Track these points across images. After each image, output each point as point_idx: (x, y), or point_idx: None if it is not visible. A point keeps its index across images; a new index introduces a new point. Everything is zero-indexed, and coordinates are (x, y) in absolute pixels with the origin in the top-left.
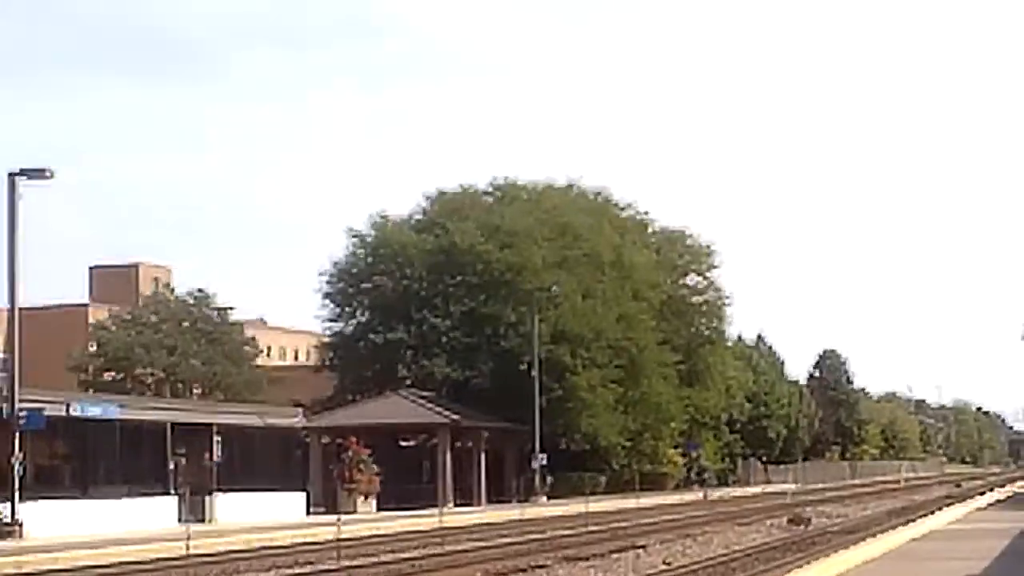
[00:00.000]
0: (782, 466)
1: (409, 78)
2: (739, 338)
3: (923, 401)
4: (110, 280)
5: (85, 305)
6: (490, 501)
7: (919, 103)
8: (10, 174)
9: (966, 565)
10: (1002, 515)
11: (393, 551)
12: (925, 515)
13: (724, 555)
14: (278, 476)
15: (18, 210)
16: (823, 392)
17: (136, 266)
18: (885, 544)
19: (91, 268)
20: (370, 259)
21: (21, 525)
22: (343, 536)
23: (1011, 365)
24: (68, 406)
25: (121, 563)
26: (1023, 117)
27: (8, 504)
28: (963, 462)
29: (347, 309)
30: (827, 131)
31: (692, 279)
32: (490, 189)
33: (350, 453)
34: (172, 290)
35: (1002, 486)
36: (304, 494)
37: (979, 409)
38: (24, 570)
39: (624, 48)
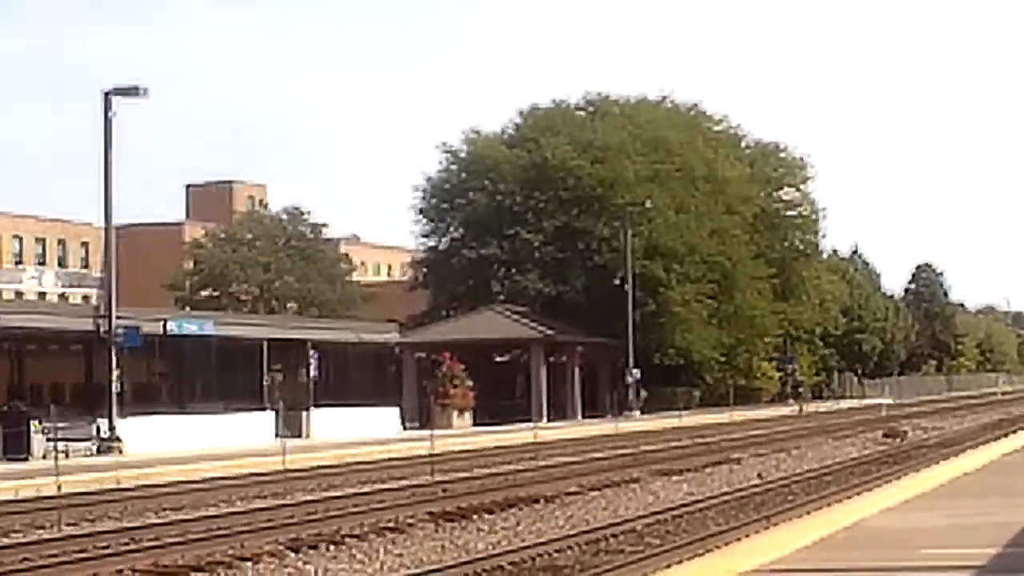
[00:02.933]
0: (877, 380)
1: None
2: (834, 251)
3: (1021, 313)
4: (206, 198)
5: (181, 223)
6: (584, 416)
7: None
8: (105, 93)
9: None
10: None
11: (486, 466)
12: (1022, 429)
13: (818, 469)
14: (373, 392)
15: (112, 128)
16: (919, 306)
17: (231, 184)
18: (981, 457)
19: (187, 187)
20: (463, 175)
21: (120, 441)
22: (437, 451)
23: None
24: (165, 324)
25: (218, 478)
26: None
27: (107, 421)
28: None
29: (440, 225)
30: (921, 38)
31: (786, 192)
32: (582, 104)
33: (444, 368)
34: (267, 207)
35: None
36: (399, 410)
37: None
38: (124, 484)
39: None
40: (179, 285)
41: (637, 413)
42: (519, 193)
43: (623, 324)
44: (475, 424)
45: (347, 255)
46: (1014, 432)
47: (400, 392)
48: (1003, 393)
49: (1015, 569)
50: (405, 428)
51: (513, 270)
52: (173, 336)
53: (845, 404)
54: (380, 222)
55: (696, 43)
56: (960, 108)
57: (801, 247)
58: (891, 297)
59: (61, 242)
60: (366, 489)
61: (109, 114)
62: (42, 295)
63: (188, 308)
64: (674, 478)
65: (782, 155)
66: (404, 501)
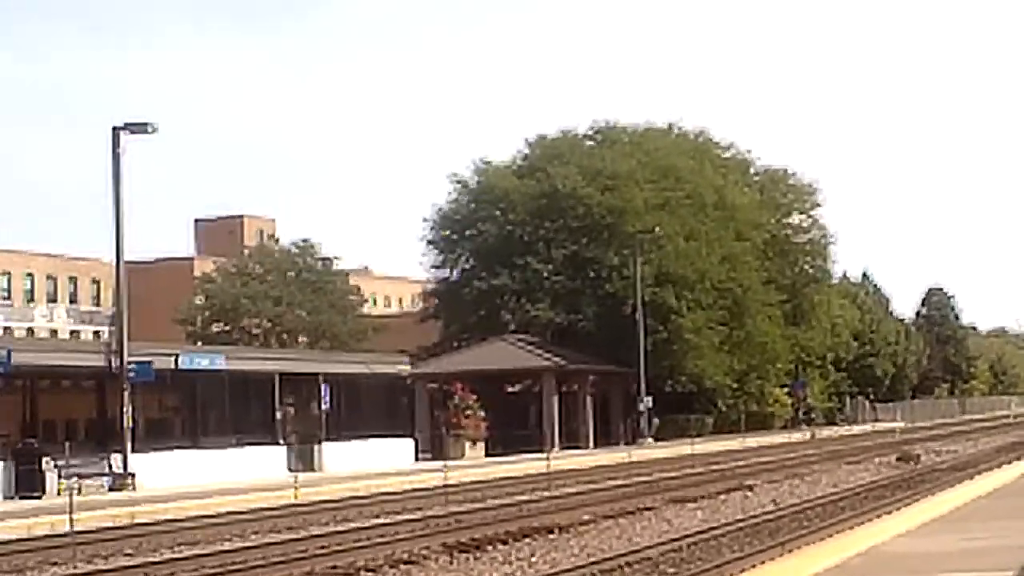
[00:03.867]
0: (890, 404)
1: (510, 19)
2: (844, 276)
3: None
4: (215, 232)
5: (191, 258)
6: (597, 444)
7: None
8: (114, 128)
9: None
10: None
11: (500, 496)
12: None
13: (832, 494)
14: (385, 424)
15: (122, 164)
16: (930, 329)
17: (241, 218)
18: (995, 480)
19: (196, 221)
20: (472, 205)
21: (134, 476)
22: (450, 481)
23: None
24: (177, 358)
25: (231, 512)
26: None
27: (120, 456)
28: None
29: (450, 256)
30: (930, 63)
31: (796, 218)
32: (590, 133)
33: (456, 399)
34: (277, 241)
35: None
36: (412, 441)
37: None
38: (137, 520)
39: None
40: (190, 319)
41: (650, 440)
42: (529, 223)
43: (634, 352)
44: (488, 454)
45: (357, 287)
46: None
47: (412, 423)
48: (1016, 416)
49: None
50: (418, 459)
51: (524, 300)
52: (185, 371)
53: (857, 429)
54: (390, 253)
55: (703, 70)
56: (970, 132)
57: (811, 272)
58: (902, 321)
59: (72, 279)
60: (380, 521)
61: (118, 150)
62: (54, 332)
63: (199, 342)
64: (688, 505)
65: (791, 181)
66: (418, 533)
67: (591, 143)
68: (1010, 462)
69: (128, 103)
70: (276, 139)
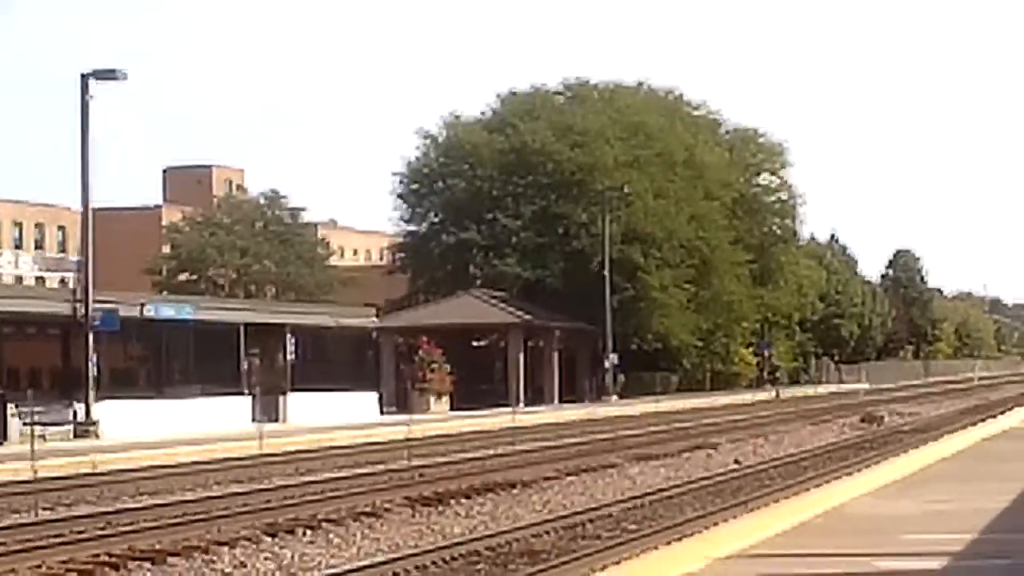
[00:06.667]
0: (855, 365)
1: None
2: (812, 237)
3: (998, 300)
4: (184, 182)
5: (159, 207)
6: (562, 401)
7: None
8: (82, 76)
9: None
10: None
11: (464, 450)
12: (999, 414)
13: (795, 454)
14: (351, 377)
15: (90, 112)
16: (896, 291)
17: (209, 168)
18: (958, 443)
19: (165, 171)
20: (442, 160)
21: (97, 425)
22: (414, 435)
23: None
24: (142, 307)
25: (195, 462)
26: None
27: (84, 405)
28: None
29: (419, 210)
30: (899, 23)
31: (765, 178)
32: (561, 89)
33: (422, 353)
34: (245, 192)
35: None
36: (377, 394)
37: None
38: (100, 468)
39: None
40: (157, 269)
41: (615, 398)
42: (498, 178)
43: (601, 309)
44: (453, 409)
45: (325, 239)
46: (991, 417)
47: (378, 377)
48: (980, 379)
49: (991, 555)
50: (383, 413)
51: (491, 255)
52: (151, 320)
53: (822, 389)
54: (359, 207)
55: (674, 28)
56: (939, 95)
57: (779, 233)
58: (869, 283)
59: (39, 226)
60: (343, 474)
61: (87, 97)
62: (19, 279)
63: (166, 292)
64: (652, 463)
65: (761, 141)
66: (381, 486)
67: (561, 99)
68: (973, 424)
69: (98, 52)
70: (247, 90)
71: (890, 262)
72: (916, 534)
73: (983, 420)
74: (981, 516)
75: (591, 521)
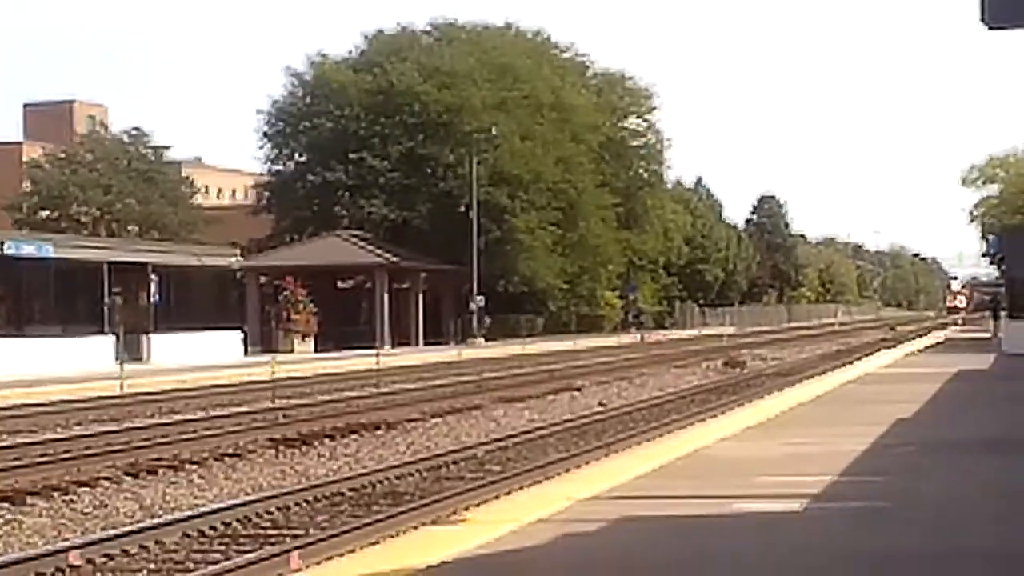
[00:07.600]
0: (719, 310)
1: None
2: (678, 182)
3: (860, 246)
4: (44, 118)
5: (19, 143)
6: (427, 343)
7: None
8: None
9: (899, 408)
10: (935, 359)
11: (328, 392)
12: (860, 359)
13: (659, 397)
14: (215, 316)
15: None
16: (761, 236)
17: (71, 104)
18: (819, 387)
19: (25, 106)
20: (308, 99)
21: None
22: (278, 376)
23: (948, 211)
24: (1, 245)
25: (57, 401)
26: None
27: None
28: (899, 307)
29: (285, 150)
30: None
31: (631, 122)
32: (429, 29)
33: (287, 293)
34: (108, 129)
35: (938, 330)
36: (241, 334)
37: (916, 255)
38: None
39: None
40: (17, 206)
41: (481, 340)
42: (365, 118)
43: (468, 251)
44: (318, 350)
45: (189, 178)
46: (851, 363)
47: (243, 317)
48: (841, 324)
49: (848, 497)
50: (247, 353)
51: (358, 195)
52: (10, 257)
53: (687, 333)
54: (224, 145)
55: None
56: (803, 42)
57: (646, 176)
58: (734, 227)
59: None
60: (206, 414)
61: None
62: None
63: (26, 230)
64: (516, 405)
65: (628, 84)
66: (244, 426)
67: (429, 40)
68: (834, 369)
69: None
70: (110, 25)
71: (754, 207)
72: (776, 476)
73: (845, 364)
74: (840, 459)
75: (455, 463)
